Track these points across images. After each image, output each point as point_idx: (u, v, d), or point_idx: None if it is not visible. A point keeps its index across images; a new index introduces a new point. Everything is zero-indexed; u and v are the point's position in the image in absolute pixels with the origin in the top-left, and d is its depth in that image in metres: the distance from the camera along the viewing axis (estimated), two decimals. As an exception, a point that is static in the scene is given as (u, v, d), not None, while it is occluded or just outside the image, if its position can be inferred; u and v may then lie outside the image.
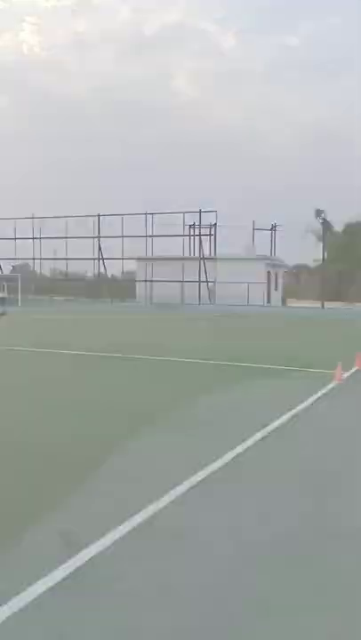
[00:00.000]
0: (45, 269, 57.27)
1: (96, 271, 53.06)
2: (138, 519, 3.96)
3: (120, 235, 49.91)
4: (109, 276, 54.51)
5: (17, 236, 52.87)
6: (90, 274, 55.11)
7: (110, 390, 9.21)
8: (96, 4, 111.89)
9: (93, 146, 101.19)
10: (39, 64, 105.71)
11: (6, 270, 54.46)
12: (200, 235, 48.62)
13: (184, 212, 48.00)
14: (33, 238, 52.45)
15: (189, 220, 48.79)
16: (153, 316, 31.81)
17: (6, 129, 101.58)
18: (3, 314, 28.17)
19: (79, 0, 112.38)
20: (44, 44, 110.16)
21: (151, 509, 4.13)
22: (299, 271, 61.50)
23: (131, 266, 54.28)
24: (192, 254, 49.08)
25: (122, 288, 54.03)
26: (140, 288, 50.60)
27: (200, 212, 47.54)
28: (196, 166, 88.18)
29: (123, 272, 56.35)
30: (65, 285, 54.93)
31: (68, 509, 4.21)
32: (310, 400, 8.36)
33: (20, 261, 56.26)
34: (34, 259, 54.10)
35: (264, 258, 48.21)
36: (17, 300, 40.14)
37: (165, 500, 4.33)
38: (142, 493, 4.47)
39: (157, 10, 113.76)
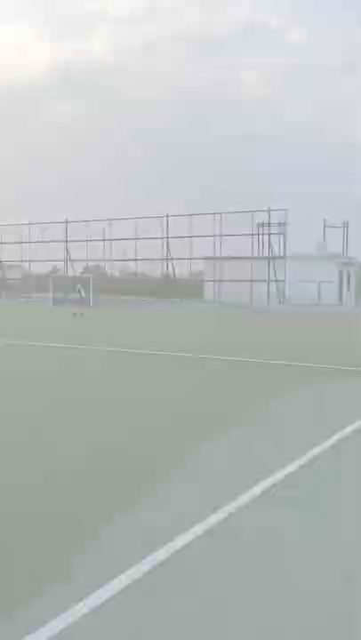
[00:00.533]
0: (115, 270, 58.55)
1: (164, 271, 53.59)
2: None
3: (188, 235, 50.15)
4: (177, 276, 54.90)
5: (89, 238, 54.32)
6: (158, 274, 55.76)
7: (187, 390, 9.24)
8: (165, 7, 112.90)
9: (163, 146, 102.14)
10: (110, 69, 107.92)
11: (78, 271, 56.04)
12: (269, 233, 48.02)
13: (253, 211, 47.57)
14: (104, 240, 53.68)
15: (259, 218, 48.32)
16: (226, 316, 31.73)
17: (78, 134, 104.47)
18: (76, 314, 28.92)
19: (148, 4, 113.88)
20: (114, 49, 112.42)
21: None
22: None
23: (199, 266, 54.47)
24: (261, 254, 48.58)
25: (190, 288, 54.29)
26: (207, 288, 50.68)
27: (269, 210, 46.96)
28: (266, 164, 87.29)
29: (190, 272, 56.65)
30: (134, 286, 55.86)
31: (150, 506, 4.23)
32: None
33: (91, 262, 57.81)
34: (104, 260, 55.40)
35: (336, 256, 47.02)
36: (89, 300, 41.16)
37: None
38: (227, 489, 4.44)
39: (225, 8, 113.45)
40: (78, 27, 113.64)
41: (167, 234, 51.20)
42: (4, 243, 58.65)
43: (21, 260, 59.13)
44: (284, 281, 45.68)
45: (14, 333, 17.93)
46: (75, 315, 28.69)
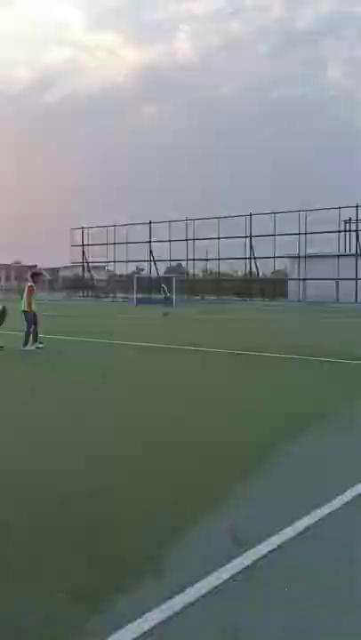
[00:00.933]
0: (197, 269, 58.81)
1: (247, 270, 53.12)
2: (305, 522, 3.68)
3: (272, 233, 49.43)
4: (260, 275, 54.27)
5: (171, 239, 54.90)
6: (241, 273, 55.38)
7: (281, 391, 8.94)
8: (248, 4, 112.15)
9: (247, 145, 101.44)
10: (194, 69, 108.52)
11: (161, 271, 56.79)
12: (357, 230, 46.35)
13: (340, 208, 46.11)
14: (186, 240, 54.02)
15: (346, 215, 46.81)
16: (320, 316, 30.90)
17: (159, 135, 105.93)
18: (166, 314, 28.80)
19: (231, 2, 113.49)
20: (197, 50, 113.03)
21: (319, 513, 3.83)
22: None
23: (282, 264, 53.65)
24: (348, 251, 47.01)
25: (273, 287, 53.54)
26: (291, 287, 49.72)
27: (357, 206, 45.35)
28: (354, 158, 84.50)
29: (274, 270, 55.85)
30: (216, 285, 55.75)
31: (235, 509, 4.05)
32: None
33: (173, 262, 58.43)
34: (187, 260, 55.73)
35: None
36: (172, 299, 41.50)
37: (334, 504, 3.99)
38: (309, 495, 4.18)
39: (310, 1, 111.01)
40: (162, 29, 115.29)
41: (250, 233, 50.70)
42: (91, 244, 60.52)
43: (107, 262, 60.77)
44: (372, 279, 43.93)
45: (135, 336, 18.32)
46: (165, 314, 28.54)
